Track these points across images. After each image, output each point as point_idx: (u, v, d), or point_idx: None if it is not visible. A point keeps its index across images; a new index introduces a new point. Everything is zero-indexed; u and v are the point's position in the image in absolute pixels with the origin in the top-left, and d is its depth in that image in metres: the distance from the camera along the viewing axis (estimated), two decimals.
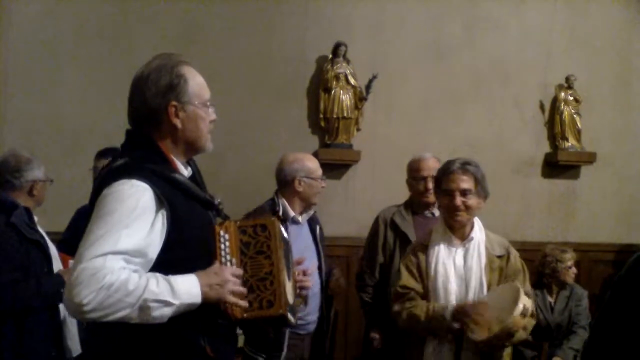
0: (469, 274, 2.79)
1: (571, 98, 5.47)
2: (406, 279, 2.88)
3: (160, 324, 1.69)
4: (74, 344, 3.08)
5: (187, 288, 1.72)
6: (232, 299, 1.80)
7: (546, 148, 5.58)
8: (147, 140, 1.89)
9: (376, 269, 3.57)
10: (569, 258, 4.29)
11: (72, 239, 3.59)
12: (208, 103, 1.96)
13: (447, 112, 5.40)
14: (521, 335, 2.66)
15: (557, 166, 5.52)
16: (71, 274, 1.61)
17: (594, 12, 5.64)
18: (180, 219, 1.79)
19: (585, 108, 5.50)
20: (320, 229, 3.42)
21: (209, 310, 1.80)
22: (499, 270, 2.84)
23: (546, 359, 4.08)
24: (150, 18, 5.03)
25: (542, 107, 5.58)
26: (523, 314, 2.53)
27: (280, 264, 1.92)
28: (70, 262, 2.99)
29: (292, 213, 3.24)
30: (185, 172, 1.96)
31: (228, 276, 1.80)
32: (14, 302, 2.65)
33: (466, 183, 2.80)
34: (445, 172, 2.87)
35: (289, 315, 1.92)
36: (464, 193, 2.80)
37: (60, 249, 3.36)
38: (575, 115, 5.46)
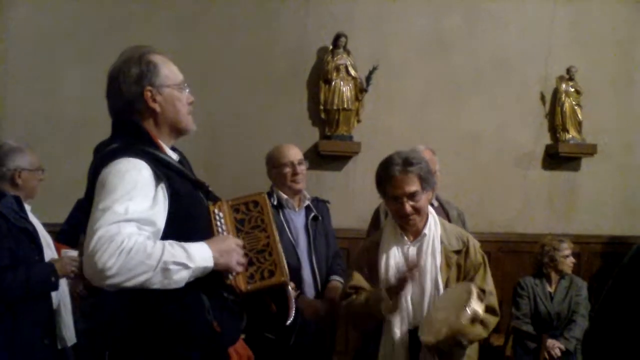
0: (423, 274, 2.58)
1: (572, 90, 5.46)
2: (357, 280, 2.71)
3: (166, 299, 1.74)
4: (69, 334, 3.09)
5: (200, 252, 1.77)
6: (239, 267, 1.87)
7: (547, 140, 5.58)
8: (135, 126, 1.93)
9: None
10: (566, 247, 4.35)
11: (72, 230, 3.62)
12: (183, 85, 2.00)
13: (448, 104, 5.39)
14: (480, 333, 2.52)
15: (558, 158, 5.52)
16: (87, 245, 1.64)
17: (595, 4, 5.63)
18: (178, 194, 1.84)
19: (586, 100, 5.49)
20: (322, 218, 3.45)
21: (216, 284, 1.85)
22: (456, 266, 2.63)
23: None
24: (149, 12, 5.01)
25: (542, 99, 5.57)
26: (473, 320, 2.34)
27: (277, 235, 1.99)
28: (63, 250, 3.00)
29: (284, 197, 3.34)
30: (174, 156, 2.00)
31: (233, 244, 1.87)
32: (2, 288, 2.65)
33: (411, 186, 2.57)
34: (387, 177, 2.61)
35: (290, 287, 1.99)
36: (412, 197, 2.58)
37: (59, 239, 3.36)
38: (576, 107, 5.45)
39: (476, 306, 2.37)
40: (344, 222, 4.85)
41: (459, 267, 2.64)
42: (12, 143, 3.07)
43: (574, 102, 5.45)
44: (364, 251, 2.82)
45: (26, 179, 3.02)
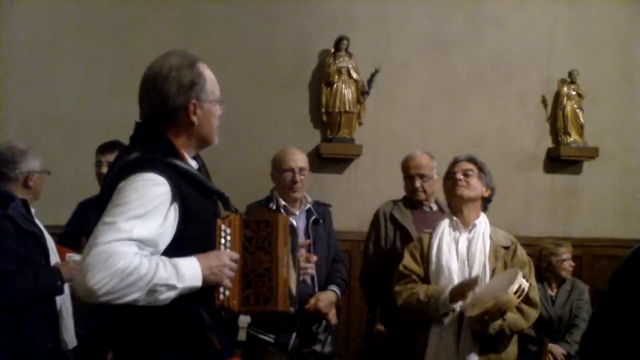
0: (472, 260, 2.87)
1: (574, 93, 5.46)
2: (408, 261, 3.00)
3: (166, 313, 1.73)
4: (70, 337, 3.07)
5: (190, 271, 1.76)
6: (229, 283, 1.85)
7: (549, 143, 5.57)
8: (159, 133, 1.90)
9: (379, 263, 3.56)
10: (564, 251, 4.29)
11: (74, 233, 3.61)
12: (220, 99, 1.99)
13: (450, 107, 5.40)
14: (520, 323, 2.76)
15: (559, 161, 5.52)
16: (84, 258, 1.63)
17: (597, 7, 5.63)
18: (191, 214, 1.82)
19: (588, 103, 5.49)
20: (323, 221, 3.43)
21: (213, 302, 1.84)
22: (503, 260, 2.89)
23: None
24: (150, 12, 5.02)
25: (544, 102, 5.57)
26: (518, 294, 2.56)
27: (281, 260, 1.94)
28: (68, 255, 2.99)
29: (282, 202, 3.31)
30: (194, 165, 1.99)
31: (226, 260, 1.84)
32: (12, 293, 2.64)
33: (468, 166, 3.02)
34: (452, 164, 3.08)
35: (290, 309, 1.97)
36: (465, 172, 3.00)
37: (61, 242, 3.36)
38: (577, 110, 5.46)
39: (522, 282, 2.57)
40: (346, 224, 4.85)
41: (505, 263, 2.89)
42: (21, 144, 3.02)
43: (575, 105, 5.45)
44: (417, 240, 3.12)
45: (37, 181, 2.99)
